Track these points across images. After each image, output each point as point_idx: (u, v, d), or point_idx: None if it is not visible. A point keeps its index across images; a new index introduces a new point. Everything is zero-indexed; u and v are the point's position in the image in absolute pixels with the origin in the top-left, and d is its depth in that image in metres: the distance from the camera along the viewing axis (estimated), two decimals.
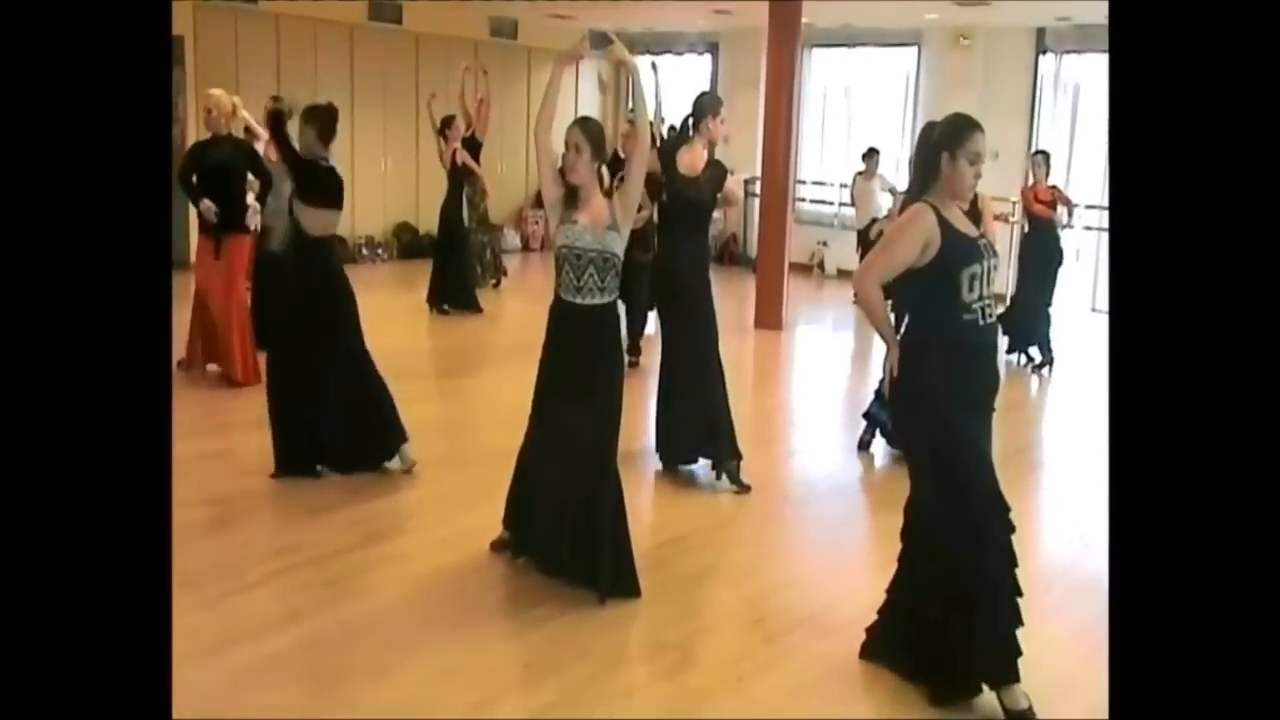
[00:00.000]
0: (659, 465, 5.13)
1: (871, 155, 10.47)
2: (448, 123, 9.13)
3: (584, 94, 14.02)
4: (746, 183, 11.51)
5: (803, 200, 11.48)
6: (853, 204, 10.90)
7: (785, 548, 4.48)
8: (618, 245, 3.59)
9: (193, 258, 6.59)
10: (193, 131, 8.97)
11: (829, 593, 3.92)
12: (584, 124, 3.67)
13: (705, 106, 4.89)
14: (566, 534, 3.61)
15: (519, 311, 9.48)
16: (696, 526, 4.52)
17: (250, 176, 6.23)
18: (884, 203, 10.46)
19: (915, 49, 11.77)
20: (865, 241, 10.64)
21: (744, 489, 4.88)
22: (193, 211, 6.28)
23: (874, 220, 10.60)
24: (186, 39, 10.21)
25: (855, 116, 12.29)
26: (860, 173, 10.56)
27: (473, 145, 9.20)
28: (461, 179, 9.06)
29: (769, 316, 9.01)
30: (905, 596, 3.18)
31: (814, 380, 8.22)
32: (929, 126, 3.08)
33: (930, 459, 3.02)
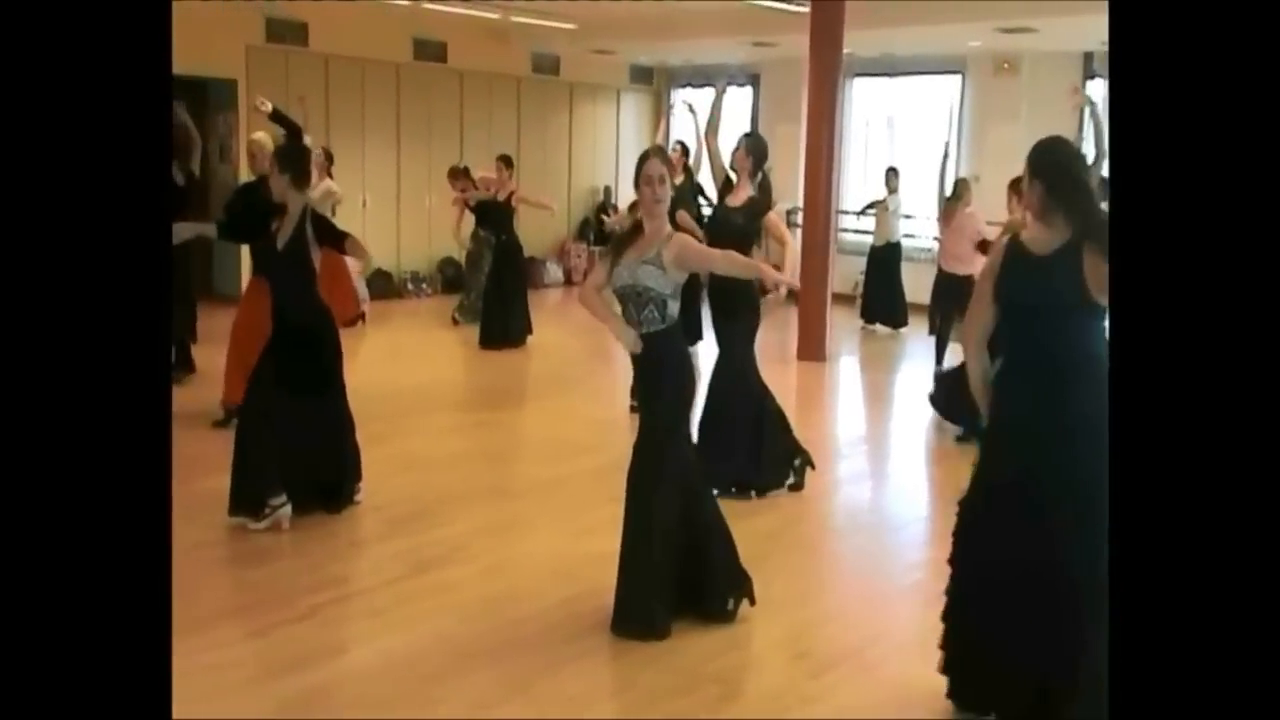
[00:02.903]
0: None
1: (893, 175, 10.49)
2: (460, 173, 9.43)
3: (624, 127, 14.16)
4: (789, 213, 11.50)
5: (845, 230, 11.44)
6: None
7: (829, 580, 4.44)
8: (653, 279, 3.54)
9: (243, 292, 6.71)
10: (244, 173, 9.18)
11: (874, 626, 3.87)
12: (662, 155, 3.70)
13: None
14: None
15: (560, 345, 9.54)
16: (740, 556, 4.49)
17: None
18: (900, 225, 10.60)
19: (959, 76, 11.73)
20: (878, 262, 10.58)
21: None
22: (246, 248, 6.38)
23: (890, 242, 10.55)
24: (240, 82, 10.50)
25: (898, 145, 12.25)
26: (881, 200, 10.58)
27: (494, 206, 9.35)
28: (502, 215, 9.23)
29: (811, 347, 8.96)
30: (996, 645, 2.99)
31: (857, 412, 8.16)
32: (1055, 157, 2.92)
33: (1091, 505, 2.71)
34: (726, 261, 3.74)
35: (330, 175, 9.59)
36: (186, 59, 9.36)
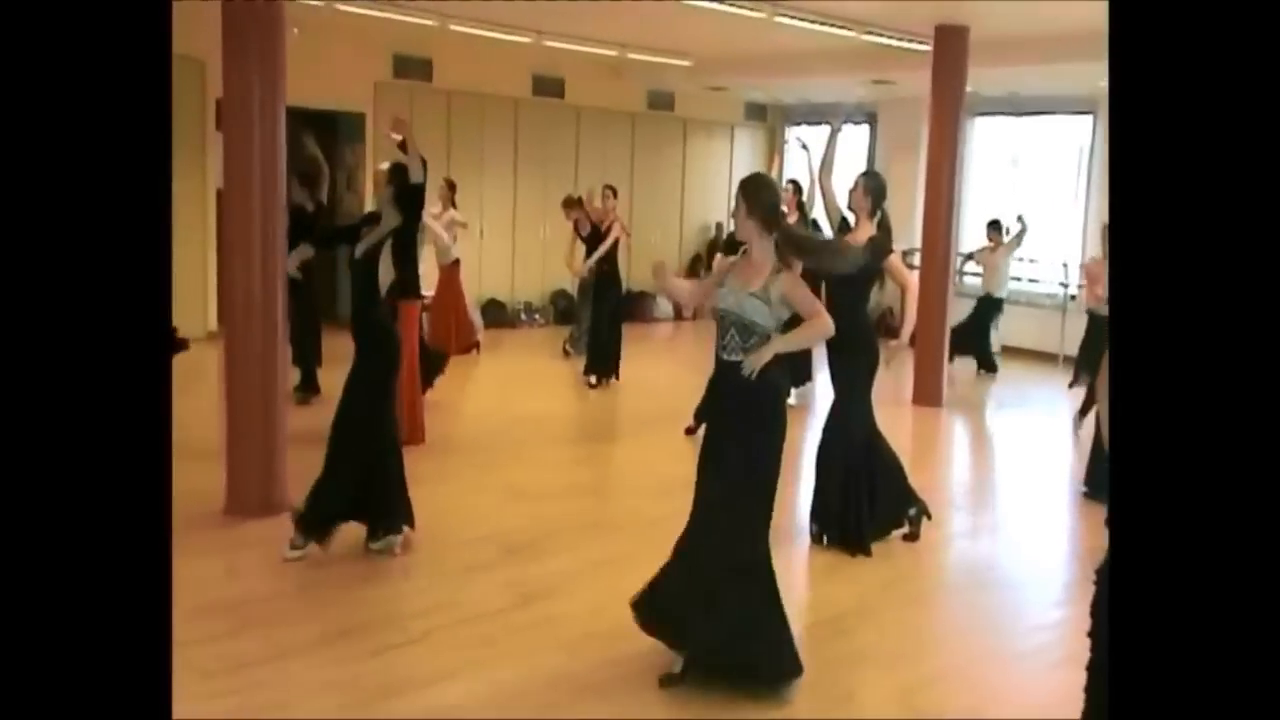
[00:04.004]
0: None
1: (994, 229, 10.21)
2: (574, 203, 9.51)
3: (738, 163, 14.18)
4: (904, 254, 11.27)
5: (967, 274, 11.12)
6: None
7: (944, 637, 4.27)
8: (758, 314, 3.48)
9: None
10: (369, 202, 9.52)
11: (992, 688, 3.71)
12: (743, 182, 3.62)
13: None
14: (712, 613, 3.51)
15: (671, 380, 9.54)
16: (850, 608, 4.38)
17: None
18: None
19: (1090, 117, 11.34)
20: (981, 309, 10.24)
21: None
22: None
23: (994, 297, 10.21)
24: (367, 115, 10.95)
25: (1023, 186, 11.91)
26: (988, 246, 10.27)
27: (598, 237, 9.38)
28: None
29: (927, 392, 8.73)
30: None
31: (975, 461, 7.90)
32: None
33: None
34: (812, 327, 3.60)
35: (454, 205, 9.86)
36: (318, 93, 9.85)
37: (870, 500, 5.00)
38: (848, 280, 5.01)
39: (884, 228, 5.04)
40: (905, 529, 5.18)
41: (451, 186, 9.91)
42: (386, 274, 4.65)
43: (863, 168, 11.36)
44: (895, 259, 5.04)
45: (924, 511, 5.21)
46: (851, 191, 5.11)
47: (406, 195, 4.63)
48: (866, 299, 5.15)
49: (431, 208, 9.63)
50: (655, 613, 3.60)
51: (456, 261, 9.94)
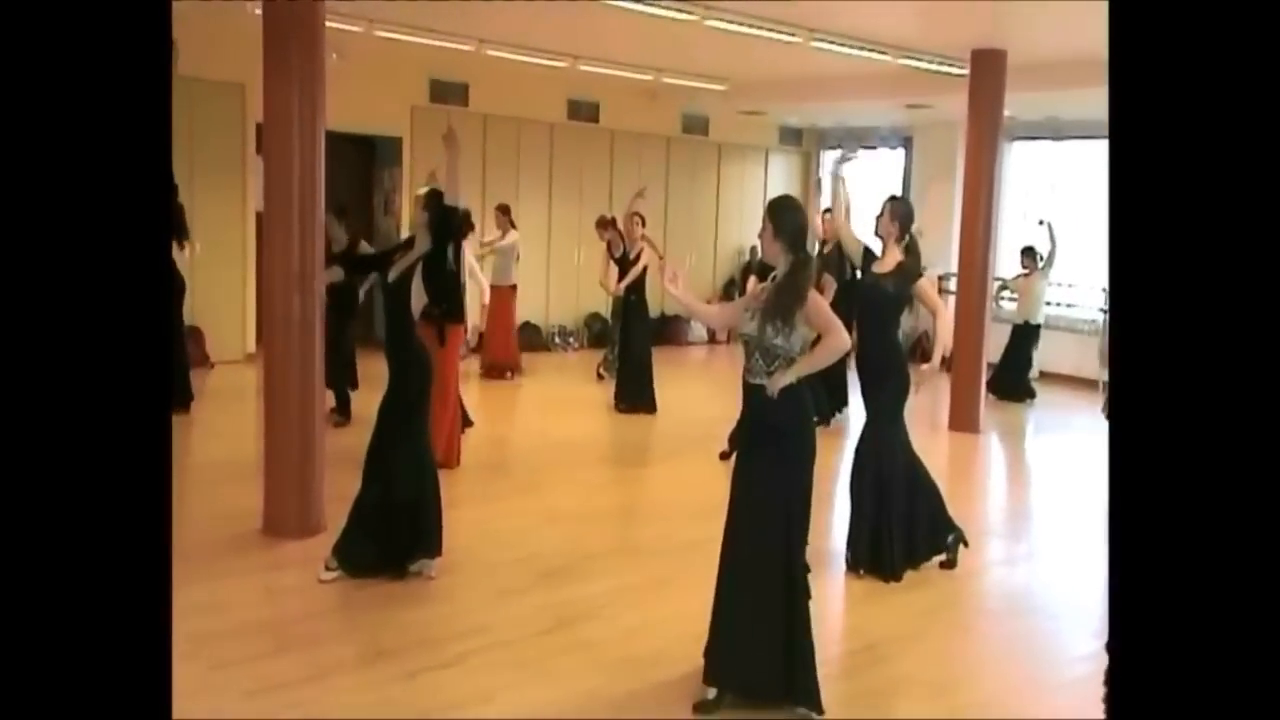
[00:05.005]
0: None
1: (1028, 255, 10.19)
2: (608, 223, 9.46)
3: (772, 187, 14.18)
4: (940, 279, 11.20)
5: (1005, 299, 11.01)
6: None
7: (986, 665, 4.20)
8: (780, 336, 3.44)
9: None
10: (406, 227, 9.61)
11: (1036, 716, 3.64)
12: (771, 204, 3.62)
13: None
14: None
15: (704, 403, 9.52)
16: (887, 635, 4.32)
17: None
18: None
19: None
20: (1020, 338, 10.17)
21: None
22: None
23: (1032, 324, 10.13)
24: (405, 139, 11.07)
25: (1061, 212, 11.79)
26: (1023, 273, 10.26)
27: (628, 262, 9.29)
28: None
29: (964, 418, 8.64)
30: None
31: (1013, 487, 7.80)
32: None
33: None
34: (825, 346, 3.55)
35: (513, 226, 9.94)
36: (356, 117, 9.98)
37: (905, 526, 4.95)
38: (877, 305, 5.01)
39: (912, 252, 5.01)
40: (943, 556, 5.12)
41: (505, 210, 10.00)
42: (419, 299, 4.67)
43: (898, 192, 11.31)
44: (925, 283, 5.01)
45: (961, 538, 5.14)
46: (878, 217, 5.10)
47: (441, 221, 4.67)
48: (896, 324, 5.12)
49: (487, 235, 9.77)
50: (711, 654, 3.55)
51: (514, 286, 9.98)
